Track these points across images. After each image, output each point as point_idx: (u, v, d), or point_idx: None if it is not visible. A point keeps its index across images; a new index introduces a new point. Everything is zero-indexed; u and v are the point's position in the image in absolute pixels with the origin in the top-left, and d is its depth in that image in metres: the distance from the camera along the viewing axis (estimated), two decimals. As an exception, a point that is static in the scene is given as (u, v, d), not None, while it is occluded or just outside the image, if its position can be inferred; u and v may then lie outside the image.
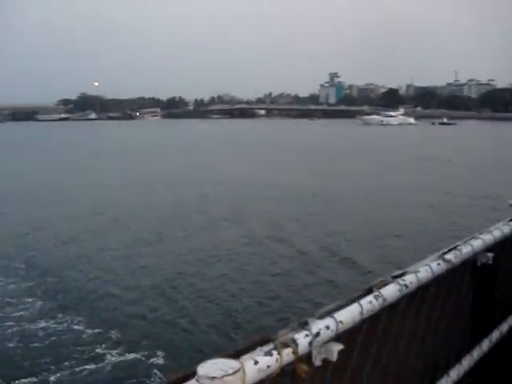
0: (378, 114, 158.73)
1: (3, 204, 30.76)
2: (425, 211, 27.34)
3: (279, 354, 1.58)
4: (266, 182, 37.38)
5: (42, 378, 11.29)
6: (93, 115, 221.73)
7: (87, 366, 11.78)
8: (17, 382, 11.04)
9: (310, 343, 1.73)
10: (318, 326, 1.79)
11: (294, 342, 1.67)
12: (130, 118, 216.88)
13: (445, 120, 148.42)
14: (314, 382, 1.87)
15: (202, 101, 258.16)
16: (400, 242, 21.28)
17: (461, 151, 63.86)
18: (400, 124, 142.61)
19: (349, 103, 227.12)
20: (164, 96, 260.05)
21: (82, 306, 15.36)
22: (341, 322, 1.87)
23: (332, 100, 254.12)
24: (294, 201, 30.69)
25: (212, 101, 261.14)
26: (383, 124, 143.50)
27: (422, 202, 29.60)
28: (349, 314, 1.94)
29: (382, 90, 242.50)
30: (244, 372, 1.39)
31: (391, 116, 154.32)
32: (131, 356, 12.27)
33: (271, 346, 1.62)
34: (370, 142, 79.79)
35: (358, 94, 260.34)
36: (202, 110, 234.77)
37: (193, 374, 1.37)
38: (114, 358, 12.20)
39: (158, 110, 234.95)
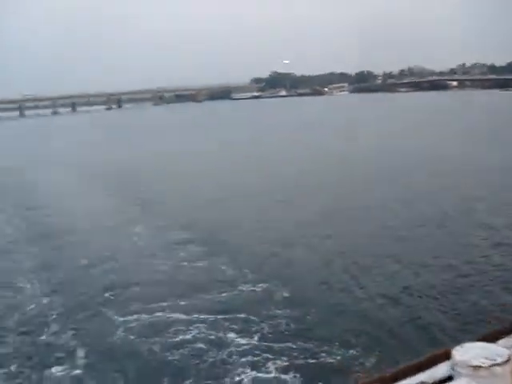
0: None
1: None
2: None
3: None
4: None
5: (188, 301, 14.43)
6: (283, 92, 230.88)
7: (224, 294, 14.76)
8: (164, 304, 14.24)
9: None
10: None
11: None
12: (319, 93, 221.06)
13: None
14: None
15: (390, 73, 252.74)
16: None
17: None
18: None
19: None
20: (354, 71, 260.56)
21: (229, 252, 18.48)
22: None
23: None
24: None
25: (402, 73, 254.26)
26: None
27: None
28: None
29: None
30: None
31: None
32: (261, 288, 15.00)
33: None
34: None
35: None
36: (388, 83, 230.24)
37: (443, 356, 1.10)
38: (247, 289, 15.04)
39: (346, 84, 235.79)
